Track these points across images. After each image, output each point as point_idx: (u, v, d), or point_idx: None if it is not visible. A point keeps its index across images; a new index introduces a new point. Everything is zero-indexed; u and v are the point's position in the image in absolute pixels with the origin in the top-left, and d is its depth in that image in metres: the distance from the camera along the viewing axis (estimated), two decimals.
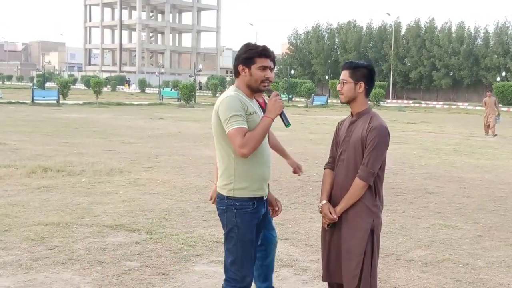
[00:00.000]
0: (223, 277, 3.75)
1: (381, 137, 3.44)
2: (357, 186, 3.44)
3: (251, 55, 3.38)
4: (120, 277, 4.87)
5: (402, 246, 6.09)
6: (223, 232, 3.51)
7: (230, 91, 3.44)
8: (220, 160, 3.46)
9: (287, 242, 5.92)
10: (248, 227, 3.42)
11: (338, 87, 3.61)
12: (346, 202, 3.48)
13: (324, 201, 3.59)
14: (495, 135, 20.63)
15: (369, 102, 3.76)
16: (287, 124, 3.54)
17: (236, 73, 3.47)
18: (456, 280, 5.08)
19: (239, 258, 3.41)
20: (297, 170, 4.54)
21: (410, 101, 60.35)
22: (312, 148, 15.16)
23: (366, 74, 3.55)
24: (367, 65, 3.60)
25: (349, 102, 3.60)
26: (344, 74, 3.57)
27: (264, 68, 3.40)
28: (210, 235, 6.21)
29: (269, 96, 3.51)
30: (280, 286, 4.53)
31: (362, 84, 3.54)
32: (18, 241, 5.80)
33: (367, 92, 3.59)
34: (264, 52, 3.39)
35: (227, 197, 3.39)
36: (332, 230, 3.58)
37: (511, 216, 7.72)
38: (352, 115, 3.64)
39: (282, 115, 3.47)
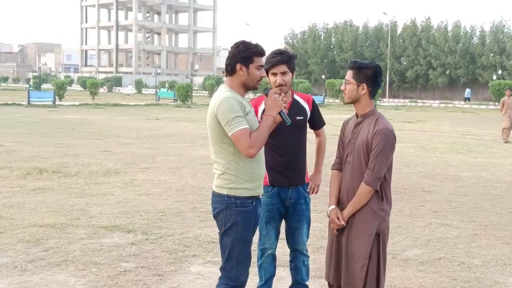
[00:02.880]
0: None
1: (387, 141, 3.37)
2: (363, 191, 3.40)
3: (250, 54, 3.40)
4: (116, 278, 4.86)
5: (399, 245, 6.08)
6: (219, 231, 3.51)
7: (224, 91, 3.41)
8: (218, 161, 3.44)
9: (283, 242, 5.90)
10: (247, 226, 3.44)
11: (342, 87, 3.56)
12: (353, 207, 3.45)
13: (333, 206, 3.57)
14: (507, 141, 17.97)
15: None
16: (287, 122, 3.54)
17: (232, 72, 3.43)
18: (452, 279, 5.08)
19: (235, 256, 3.42)
20: (310, 188, 4.30)
21: (407, 100, 60.41)
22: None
23: (370, 75, 3.44)
24: (372, 66, 3.47)
25: (353, 103, 3.53)
26: (348, 74, 3.50)
27: (261, 67, 3.46)
28: (206, 236, 6.19)
29: (266, 95, 3.52)
30: (276, 286, 4.52)
31: (365, 86, 3.44)
32: (13, 242, 5.78)
33: (371, 94, 3.48)
34: (262, 52, 3.45)
35: (227, 195, 3.40)
36: (339, 233, 3.56)
37: (507, 214, 7.73)
38: (357, 116, 3.57)
39: (281, 113, 3.48)
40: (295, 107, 4.14)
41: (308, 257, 4.40)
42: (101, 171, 10.17)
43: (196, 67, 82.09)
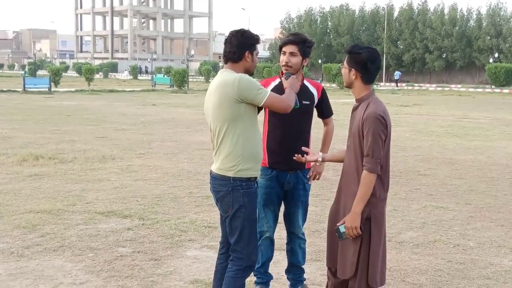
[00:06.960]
0: (217, 262, 3.78)
1: (375, 123, 3.28)
2: (369, 180, 3.29)
3: (254, 42, 3.58)
4: (112, 263, 4.88)
5: (394, 228, 6.11)
6: (225, 215, 3.54)
7: (233, 73, 3.48)
8: (223, 143, 3.48)
9: (279, 226, 5.93)
10: (253, 206, 3.54)
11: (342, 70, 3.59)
12: (363, 199, 3.32)
13: (320, 154, 3.82)
14: None
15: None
16: (297, 105, 3.66)
17: (238, 59, 3.54)
18: (447, 261, 5.11)
19: (246, 237, 3.52)
20: (311, 175, 4.23)
21: (404, 84, 60.35)
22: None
23: (360, 61, 3.36)
24: (363, 52, 3.37)
25: (348, 87, 3.50)
26: (345, 58, 3.49)
27: (257, 54, 3.65)
28: (202, 220, 6.21)
29: (286, 78, 3.78)
30: (272, 269, 4.53)
31: (354, 71, 3.39)
32: (9, 228, 5.79)
33: (364, 79, 3.40)
34: (259, 41, 3.67)
35: (233, 178, 3.46)
36: (335, 218, 3.53)
37: (503, 197, 7.76)
38: (356, 101, 3.52)
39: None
40: (303, 91, 4.10)
41: (305, 240, 4.42)
42: (97, 157, 10.16)
43: (192, 52, 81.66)
